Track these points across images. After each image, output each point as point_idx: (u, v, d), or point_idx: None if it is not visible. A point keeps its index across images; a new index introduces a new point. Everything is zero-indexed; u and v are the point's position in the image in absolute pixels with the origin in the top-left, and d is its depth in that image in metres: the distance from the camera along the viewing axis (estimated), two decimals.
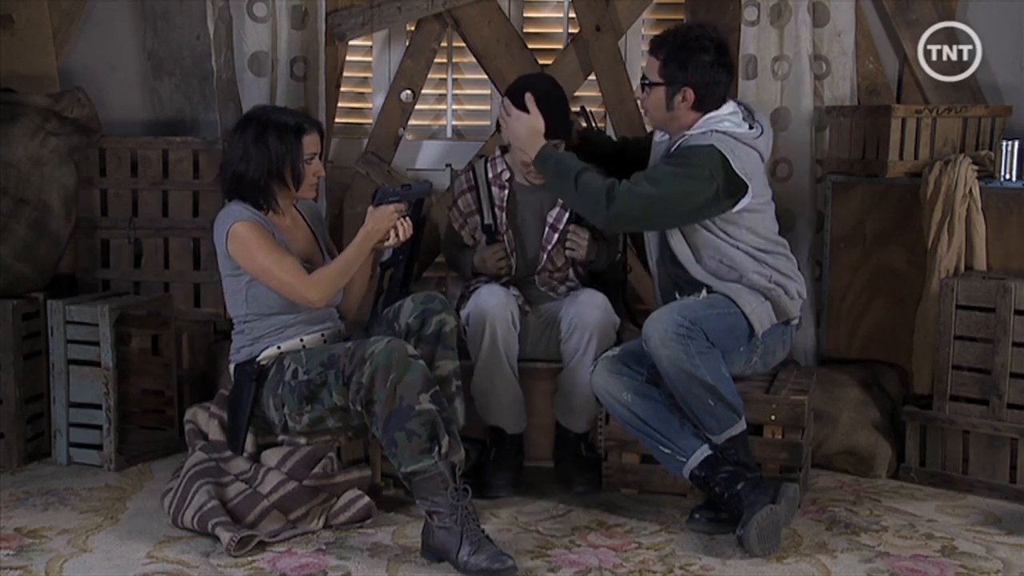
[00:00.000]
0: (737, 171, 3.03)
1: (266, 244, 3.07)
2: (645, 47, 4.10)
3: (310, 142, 3.17)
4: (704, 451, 3.04)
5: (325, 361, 3.00)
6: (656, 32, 4.08)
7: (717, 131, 3.09)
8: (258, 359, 3.14)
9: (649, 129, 3.61)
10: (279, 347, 3.13)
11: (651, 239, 3.32)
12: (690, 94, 3.12)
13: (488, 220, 3.52)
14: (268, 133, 3.13)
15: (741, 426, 3.05)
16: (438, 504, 2.82)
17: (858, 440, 3.59)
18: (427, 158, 4.15)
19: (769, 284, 3.14)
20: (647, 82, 3.17)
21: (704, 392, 2.96)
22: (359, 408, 2.93)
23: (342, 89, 4.12)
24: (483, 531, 2.83)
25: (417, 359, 2.92)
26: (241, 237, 3.06)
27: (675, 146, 3.15)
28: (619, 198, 3.05)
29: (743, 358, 3.13)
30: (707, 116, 3.14)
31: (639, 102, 3.33)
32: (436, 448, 2.84)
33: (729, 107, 3.16)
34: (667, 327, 2.94)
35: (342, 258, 3.16)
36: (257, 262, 3.07)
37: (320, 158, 3.25)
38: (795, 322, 3.25)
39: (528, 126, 3.30)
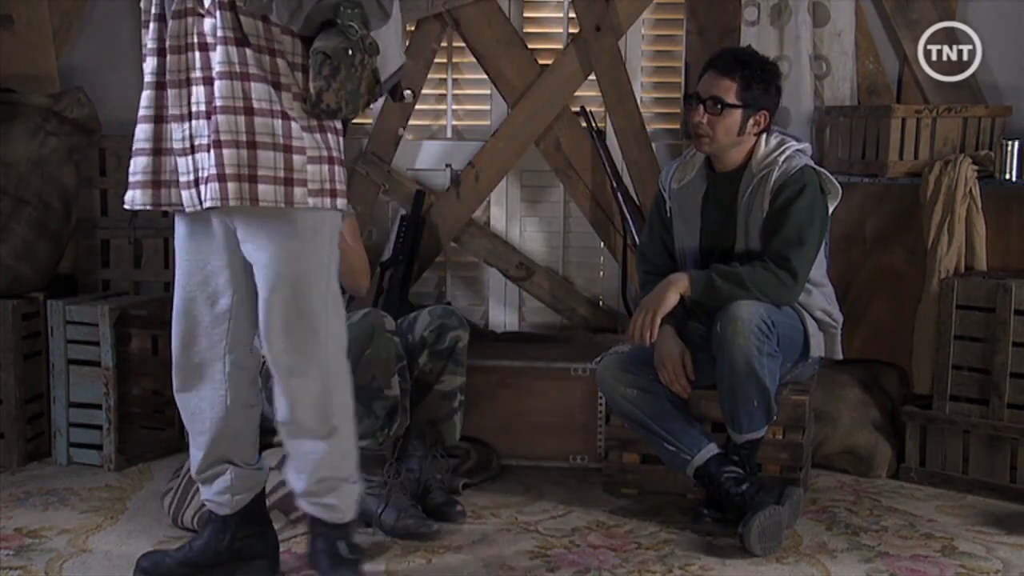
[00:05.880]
0: (834, 182, 3.08)
1: None
2: (645, 47, 4.12)
3: None
4: (711, 450, 3.04)
5: None
6: (657, 33, 4.13)
7: (798, 150, 3.08)
8: None
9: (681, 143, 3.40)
10: None
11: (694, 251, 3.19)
12: (764, 119, 3.07)
13: None
14: None
15: (764, 432, 3.05)
16: (372, 474, 2.97)
17: (858, 440, 3.59)
18: (427, 158, 4.15)
19: (830, 320, 3.16)
20: (721, 104, 3.02)
21: (755, 391, 2.94)
22: None
23: None
24: (411, 501, 3.00)
25: (393, 335, 2.93)
26: None
27: (774, 184, 3.02)
28: (796, 267, 2.99)
29: (784, 372, 3.11)
30: (775, 140, 3.10)
31: (698, 124, 3.04)
32: (388, 429, 2.97)
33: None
34: (752, 319, 2.90)
35: None
36: None
37: None
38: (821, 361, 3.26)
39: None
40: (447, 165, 4.10)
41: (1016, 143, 3.53)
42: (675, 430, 3.07)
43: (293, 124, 2.36)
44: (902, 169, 3.62)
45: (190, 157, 2.38)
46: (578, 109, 4.01)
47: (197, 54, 2.35)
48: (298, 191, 2.37)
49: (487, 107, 4.17)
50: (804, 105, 3.85)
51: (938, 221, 3.49)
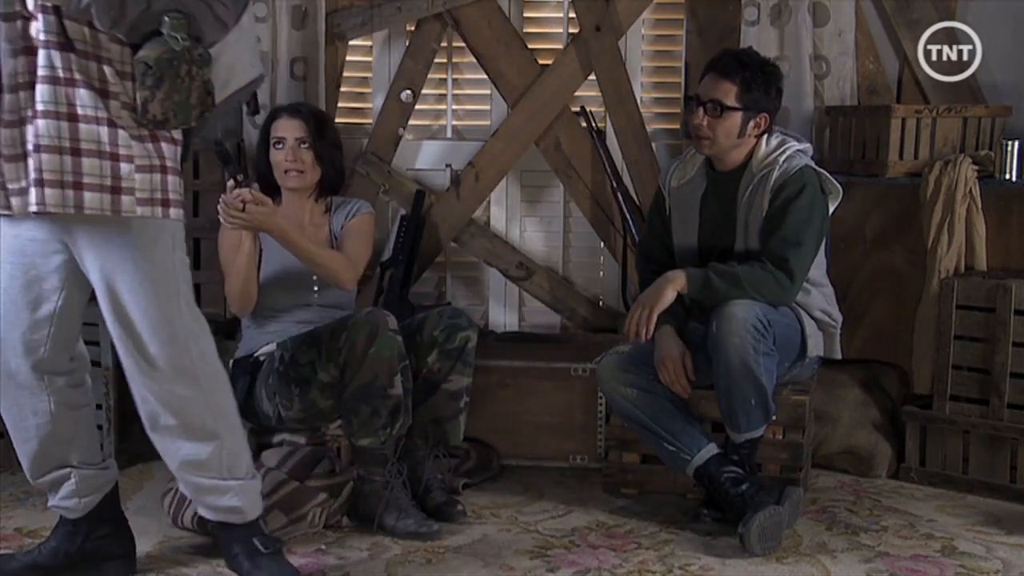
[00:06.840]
0: (834, 183, 3.09)
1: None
2: (645, 47, 4.12)
3: (278, 126, 3.26)
4: (711, 450, 3.04)
5: (308, 340, 3.05)
6: (657, 33, 4.13)
7: (799, 150, 3.08)
8: (255, 354, 3.15)
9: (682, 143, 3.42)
10: (277, 344, 3.14)
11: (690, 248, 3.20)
12: (765, 121, 3.07)
13: None
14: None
15: (763, 431, 3.05)
16: (374, 473, 3.00)
17: (858, 440, 3.59)
18: (427, 158, 4.15)
19: (829, 320, 3.17)
20: (721, 107, 3.01)
21: (752, 390, 2.94)
22: (339, 373, 2.97)
23: (342, 89, 4.12)
24: (412, 501, 3.02)
25: (396, 334, 2.94)
26: None
27: (774, 184, 3.02)
28: (794, 268, 2.98)
29: (782, 371, 3.11)
30: (775, 140, 3.09)
31: (698, 126, 3.05)
32: (390, 428, 2.97)
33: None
34: (747, 318, 2.90)
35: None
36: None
37: (305, 145, 3.22)
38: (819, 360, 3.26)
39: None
40: (447, 165, 4.10)
41: (1016, 143, 3.53)
42: (675, 430, 3.07)
43: (120, 132, 2.31)
44: (902, 169, 3.62)
45: (21, 162, 2.31)
46: (578, 109, 4.01)
47: (26, 58, 2.28)
48: (126, 199, 2.32)
49: (487, 107, 4.17)
50: (804, 105, 3.85)
51: (938, 221, 3.49)
